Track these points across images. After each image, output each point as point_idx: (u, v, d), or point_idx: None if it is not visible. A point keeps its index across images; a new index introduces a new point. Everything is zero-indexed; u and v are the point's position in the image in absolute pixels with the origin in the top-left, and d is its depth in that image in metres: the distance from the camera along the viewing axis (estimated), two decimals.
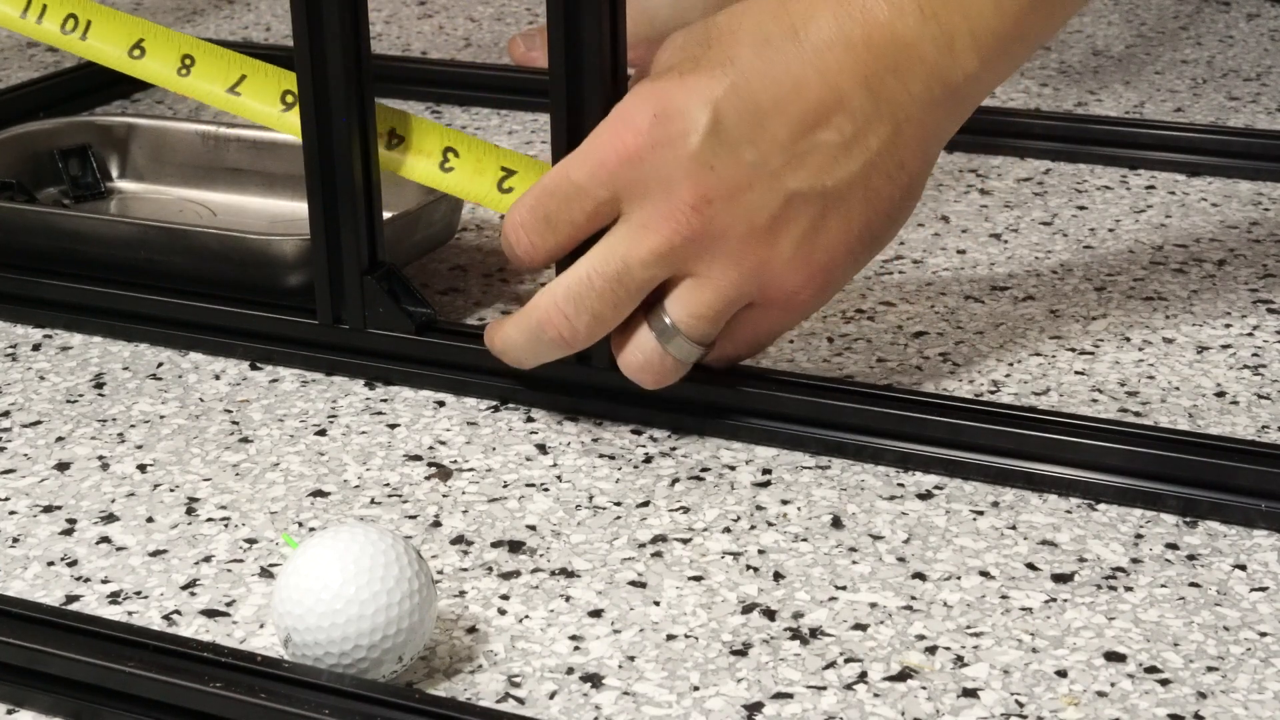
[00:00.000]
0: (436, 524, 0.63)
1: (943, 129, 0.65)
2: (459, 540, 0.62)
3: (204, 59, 0.74)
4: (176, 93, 0.74)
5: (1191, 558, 0.60)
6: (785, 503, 0.64)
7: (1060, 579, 0.59)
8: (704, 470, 0.67)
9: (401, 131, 0.72)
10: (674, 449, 0.68)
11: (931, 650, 0.55)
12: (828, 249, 0.64)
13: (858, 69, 0.62)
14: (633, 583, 0.59)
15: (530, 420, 0.71)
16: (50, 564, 0.61)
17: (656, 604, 0.58)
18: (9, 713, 0.53)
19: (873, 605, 0.58)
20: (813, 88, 0.62)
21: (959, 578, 0.59)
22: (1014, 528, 0.62)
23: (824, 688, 0.53)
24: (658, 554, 0.61)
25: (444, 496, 0.65)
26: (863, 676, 0.54)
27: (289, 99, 0.73)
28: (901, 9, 0.62)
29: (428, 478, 0.67)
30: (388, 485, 0.66)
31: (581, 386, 0.70)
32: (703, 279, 0.64)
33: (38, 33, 0.75)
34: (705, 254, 0.63)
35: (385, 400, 0.73)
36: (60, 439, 0.70)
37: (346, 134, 0.70)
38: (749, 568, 0.60)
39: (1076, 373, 0.73)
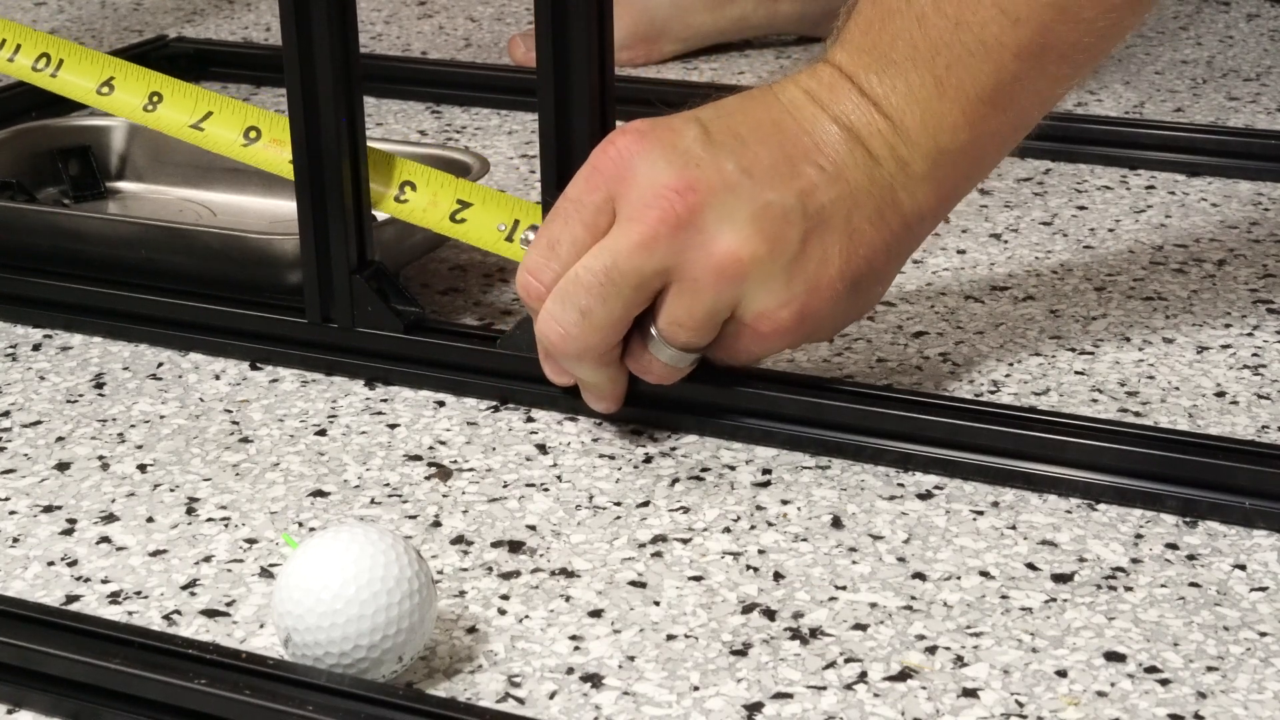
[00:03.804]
0: (436, 524, 0.63)
1: (920, 202, 0.66)
2: (459, 540, 0.62)
3: (171, 96, 0.77)
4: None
5: (1191, 558, 0.60)
6: (785, 503, 0.64)
7: (1060, 579, 0.59)
8: (704, 470, 0.67)
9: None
10: (674, 449, 0.68)
11: (931, 650, 0.55)
12: (807, 277, 0.65)
13: (830, 119, 0.66)
14: (633, 583, 0.59)
15: (530, 420, 0.71)
16: (50, 564, 0.61)
17: (656, 604, 0.58)
18: (9, 713, 0.53)
19: (873, 605, 0.58)
20: (791, 129, 0.65)
21: (959, 578, 0.59)
22: (1014, 528, 0.62)
23: (824, 688, 0.53)
24: (658, 554, 0.61)
25: (444, 496, 0.65)
26: (863, 676, 0.54)
27: (252, 134, 0.75)
28: (847, 93, 0.66)
29: (428, 478, 0.67)
30: (388, 485, 0.66)
31: None
32: (685, 284, 0.64)
33: (7, 69, 0.80)
34: (688, 251, 0.63)
35: (385, 400, 0.73)
36: (60, 439, 0.70)
37: (335, 134, 0.70)
38: (749, 568, 0.60)
39: (1076, 373, 0.73)
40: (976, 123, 0.65)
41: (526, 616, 0.57)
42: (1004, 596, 0.58)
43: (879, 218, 0.66)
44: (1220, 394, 0.71)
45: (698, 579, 0.59)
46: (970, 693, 0.53)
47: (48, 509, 0.65)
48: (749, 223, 0.63)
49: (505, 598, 0.59)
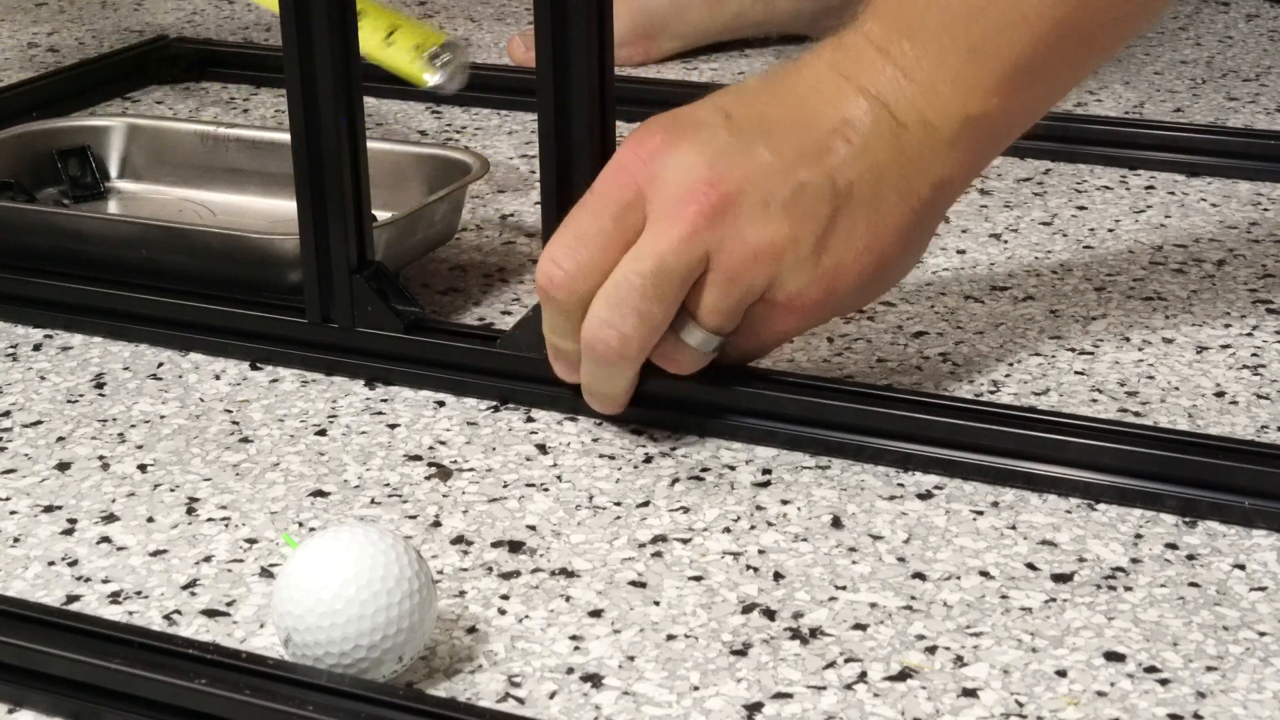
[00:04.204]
0: (436, 524, 0.63)
1: (948, 167, 0.66)
2: (459, 540, 0.62)
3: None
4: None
5: (1191, 558, 0.60)
6: (785, 503, 0.64)
7: (1060, 579, 0.59)
8: (704, 470, 0.67)
9: None
10: (674, 449, 0.68)
11: (931, 650, 0.55)
12: (835, 254, 0.65)
13: (856, 91, 0.66)
14: (633, 583, 0.59)
15: (530, 420, 0.71)
16: (51, 564, 0.61)
17: (656, 604, 0.58)
18: (9, 713, 0.53)
19: (873, 605, 0.58)
20: (815, 104, 0.66)
21: (959, 578, 0.59)
22: (1014, 528, 0.62)
23: (824, 688, 0.53)
24: (658, 554, 0.61)
25: (444, 496, 0.65)
26: (863, 676, 0.54)
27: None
28: (873, 60, 0.66)
29: (428, 478, 0.67)
30: (388, 485, 0.66)
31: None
32: (720, 272, 0.64)
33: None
34: (727, 240, 0.64)
35: (385, 400, 0.73)
36: (61, 439, 0.70)
37: (335, 134, 0.70)
38: (749, 568, 0.60)
39: (1076, 373, 0.73)
40: (1010, 92, 0.66)
41: (526, 616, 0.57)
42: (1004, 596, 0.58)
43: (906, 186, 0.66)
44: (1220, 394, 0.71)
45: (698, 579, 0.59)
46: (970, 693, 0.53)
47: (48, 509, 0.65)
48: (782, 208, 0.64)
49: (505, 598, 0.59)
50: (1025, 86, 0.66)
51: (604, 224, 0.64)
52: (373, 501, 0.65)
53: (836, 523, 0.63)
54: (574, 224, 0.65)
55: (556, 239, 0.66)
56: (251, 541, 0.62)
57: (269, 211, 0.88)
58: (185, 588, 0.59)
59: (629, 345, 0.65)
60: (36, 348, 0.79)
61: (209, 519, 0.64)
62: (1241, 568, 0.60)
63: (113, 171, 0.93)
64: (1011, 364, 0.74)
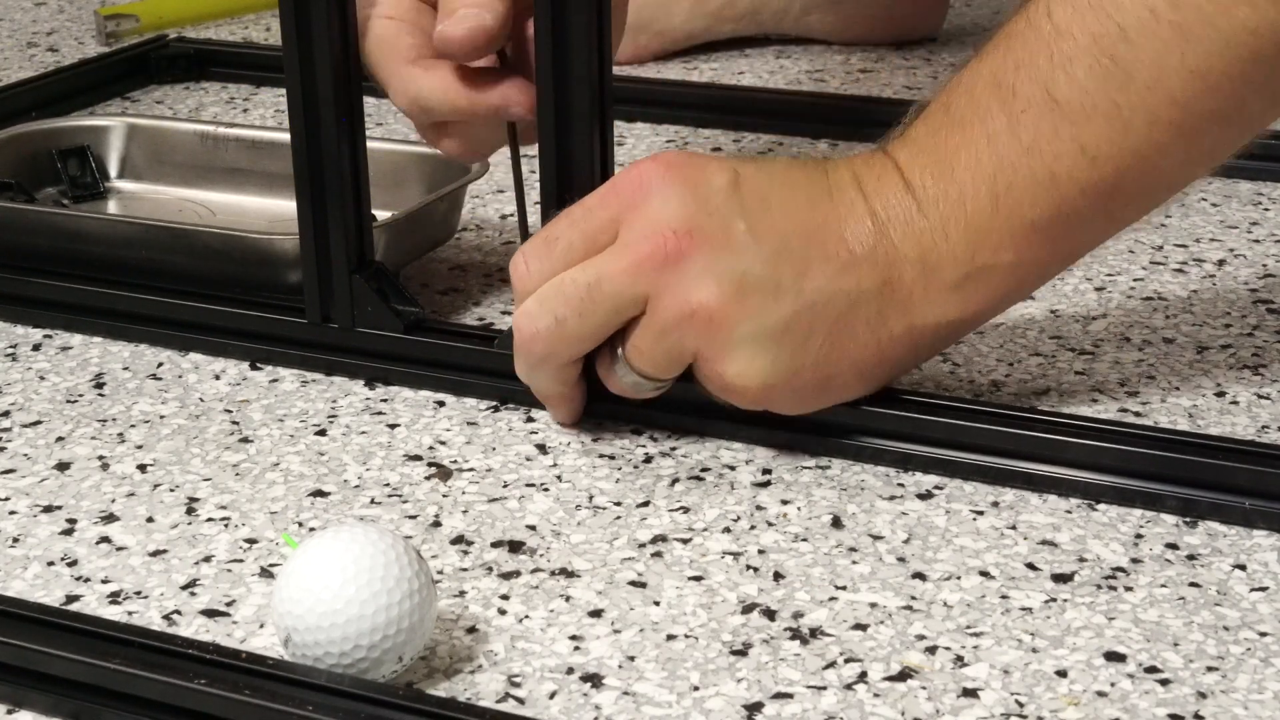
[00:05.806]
0: (436, 524, 0.63)
1: (939, 311, 0.65)
2: (459, 540, 0.62)
3: None
4: None
5: (1191, 558, 0.60)
6: (785, 503, 0.64)
7: (1060, 579, 0.59)
8: (704, 470, 0.67)
9: None
10: (674, 449, 0.68)
11: (931, 650, 0.55)
12: (773, 360, 0.64)
13: (866, 210, 0.64)
14: (633, 583, 0.59)
15: (530, 420, 0.71)
16: (50, 564, 0.61)
17: (656, 604, 0.58)
18: (9, 713, 0.53)
19: (873, 605, 0.58)
20: (823, 210, 0.64)
21: (959, 578, 0.59)
22: (1014, 528, 0.62)
23: (824, 688, 0.53)
24: (658, 554, 0.61)
25: (444, 496, 0.65)
26: (863, 676, 0.54)
27: None
28: (894, 186, 0.65)
29: (428, 478, 0.67)
30: (388, 485, 0.66)
31: None
32: (654, 318, 0.64)
33: None
34: (666, 290, 0.63)
35: (385, 400, 0.73)
36: (60, 439, 0.70)
37: (334, 134, 0.70)
38: (749, 568, 0.60)
39: (1076, 373, 0.73)
40: (1024, 248, 0.64)
41: (526, 616, 0.57)
42: (1004, 596, 0.58)
43: (879, 320, 0.64)
44: (1220, 394, 0.71)
45: (698, 579, 0.59)
46: (970, 693, 0.53)
47: (48, 509, 0.65)
48: (733, 284, 0.63)
49: (505, 598, 0.59)
50: (1040, 245, 0.64)
51: (574, 236, 0.65)
52: (373, 501, 0.65)
53: (836, 523, 0.63)
54: (553, 228, 0.66)
55: (536, 235, 0.66)
56: (251, 541, 0.62)
57: (269, 211, 0.88)
58: (185, 588, 0.59)
59: (536, 342, 0.65)
60: (36, 348, 0.79)
61: (209, 519, 0.64)
62: (1242, 568, 0.60)
63: (113, 171, 0.93)
64: (1011, 364, 0.74)
